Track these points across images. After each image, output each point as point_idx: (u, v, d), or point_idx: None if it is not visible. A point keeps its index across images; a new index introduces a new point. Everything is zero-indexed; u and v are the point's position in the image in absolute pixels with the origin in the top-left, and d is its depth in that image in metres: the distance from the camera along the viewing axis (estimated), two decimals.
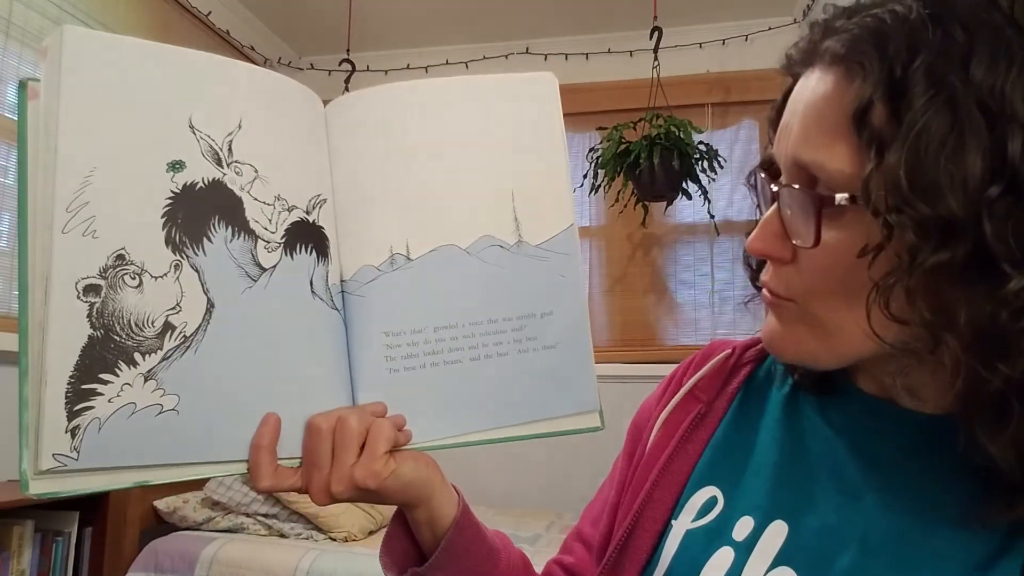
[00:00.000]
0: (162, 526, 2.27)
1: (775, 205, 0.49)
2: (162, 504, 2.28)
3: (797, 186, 0.46)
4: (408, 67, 3.25)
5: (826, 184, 0.44)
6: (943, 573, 0.44)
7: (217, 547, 2.09)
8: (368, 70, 3.15)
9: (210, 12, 2.89)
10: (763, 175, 0.52)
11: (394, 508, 0.57)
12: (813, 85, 0.46)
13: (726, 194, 2.99)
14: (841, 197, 0.43)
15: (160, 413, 0.45)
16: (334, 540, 2.22)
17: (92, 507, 2.02)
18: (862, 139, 0.42)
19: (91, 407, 0.43)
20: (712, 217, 2.80)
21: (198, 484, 2.38)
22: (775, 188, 0.49)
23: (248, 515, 2.30)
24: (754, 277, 0.57)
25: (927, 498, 0.47)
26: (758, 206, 0.54)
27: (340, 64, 2.99)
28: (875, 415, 0.51)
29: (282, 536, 2.26)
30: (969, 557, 0.44)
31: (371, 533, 2.31)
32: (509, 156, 0.55)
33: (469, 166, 0.55)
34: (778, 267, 0.49)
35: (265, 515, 2.30)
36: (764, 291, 0.51)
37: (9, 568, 1.82)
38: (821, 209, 0.44)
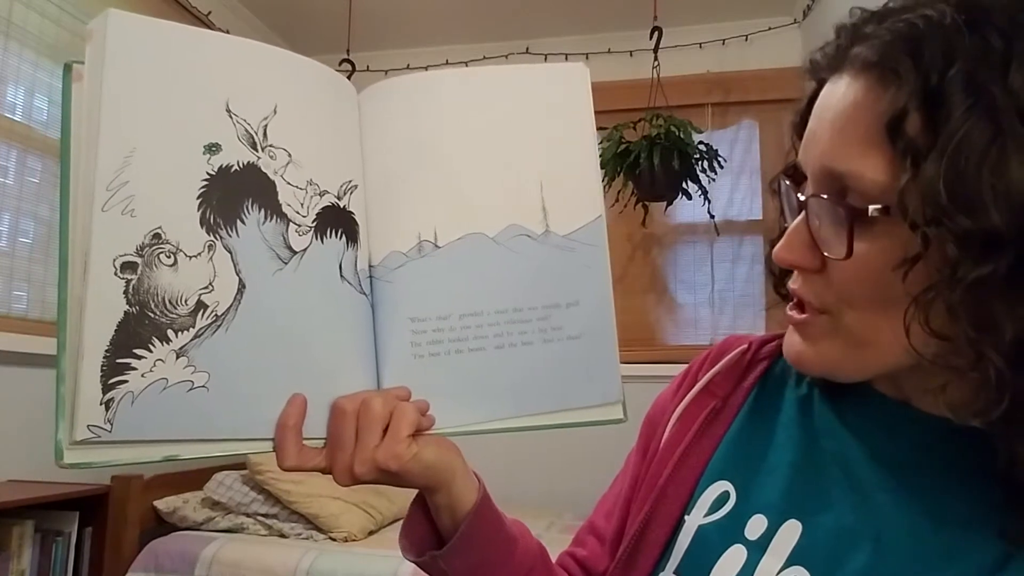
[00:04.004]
0: (162, 526, 2.26)
1: (802, 214, 0.48)
2: (162, 504, 2.27)
3: (826, 196, 0.45)
4: (408, 67, 3.26)
5: (859, 194, 0.43)
6: (957, 573, 0.44)
7: (217, 547, 2.08)
8: (368, 70, 3.14)
9: (210, 12, 2.89)
10: (787, 182, 0.51)
11: (397, 509, 0.57)
12: (843, 92, 0.45)
13: (726, 194, 2.98)
14: (874, 208, 0.42)
15: (191, 389, 0.46)
16: (334, 540, 2.20)
17: (92, 507, 2.01)
18: (896, 149, 0.41)
19: (125, 381, 0.44)
20: (712, 217, 2.79)
21: (198, 484, 2.37)
22: (802, 198, 0.48)
23: (248, 515, 2.29)
24: (777, 284, 0.56)
25: (942, 499, 0.47)
26: (782, 213, 0.54)
27: (340, 64, 2.99)
28: (891, 416, 0.50)
29: (282, 536, 2.25)
30: (983, 558, 0.44)
31: (371, 533, 2.30)
32: (538, 146, 0.56)
33: (498, 155, 0.55)
34: (807, 276, 0.48)
35: (265, 515, 2.29)
36: (790, 308, 0.50)
37: (9, 568, 1.81)
38: (854, 221, 0.43)
